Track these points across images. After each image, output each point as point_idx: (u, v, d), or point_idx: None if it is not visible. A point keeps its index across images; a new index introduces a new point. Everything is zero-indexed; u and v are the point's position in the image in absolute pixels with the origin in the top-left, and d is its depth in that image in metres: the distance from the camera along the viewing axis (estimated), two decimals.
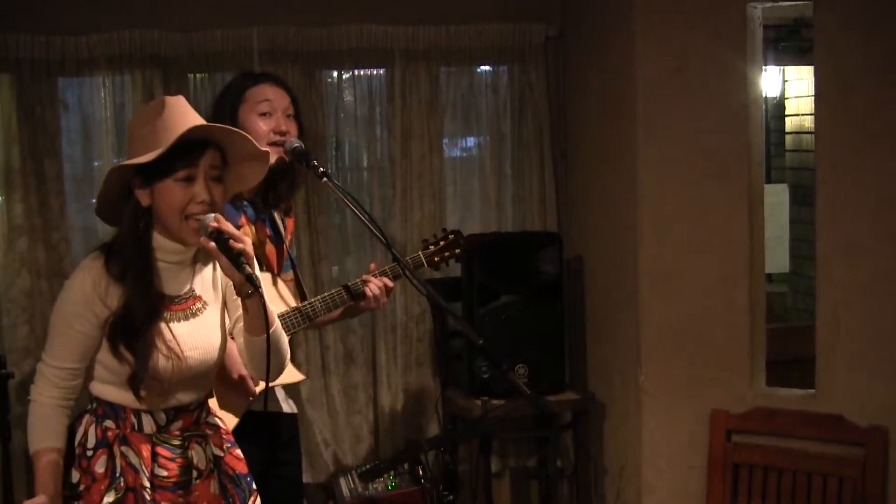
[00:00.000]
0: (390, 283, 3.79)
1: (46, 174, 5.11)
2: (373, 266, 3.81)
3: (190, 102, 5.21)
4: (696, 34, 4.70)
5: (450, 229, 4.05)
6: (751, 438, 4.72)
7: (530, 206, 5.60)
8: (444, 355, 5.40)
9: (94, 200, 5.30)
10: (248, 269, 2.69)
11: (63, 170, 5.19)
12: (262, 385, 3.48)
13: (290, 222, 3.98)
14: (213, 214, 2.76)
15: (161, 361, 2.83)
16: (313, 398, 5.39)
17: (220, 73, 5.20)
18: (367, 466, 5.02)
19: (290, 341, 3.28)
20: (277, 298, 3.76)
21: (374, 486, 4.84)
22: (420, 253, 3.97)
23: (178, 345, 2.86)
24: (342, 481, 5.00)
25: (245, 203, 3.76)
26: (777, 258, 6.73)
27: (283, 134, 3.70)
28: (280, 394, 3.92)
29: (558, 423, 5.40)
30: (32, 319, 5.12)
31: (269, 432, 3.81)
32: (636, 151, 4.81)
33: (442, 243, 3.98)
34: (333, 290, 3.78)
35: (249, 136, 2.90)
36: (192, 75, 5.27)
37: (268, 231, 3.83)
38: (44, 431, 2.88)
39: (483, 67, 5.62)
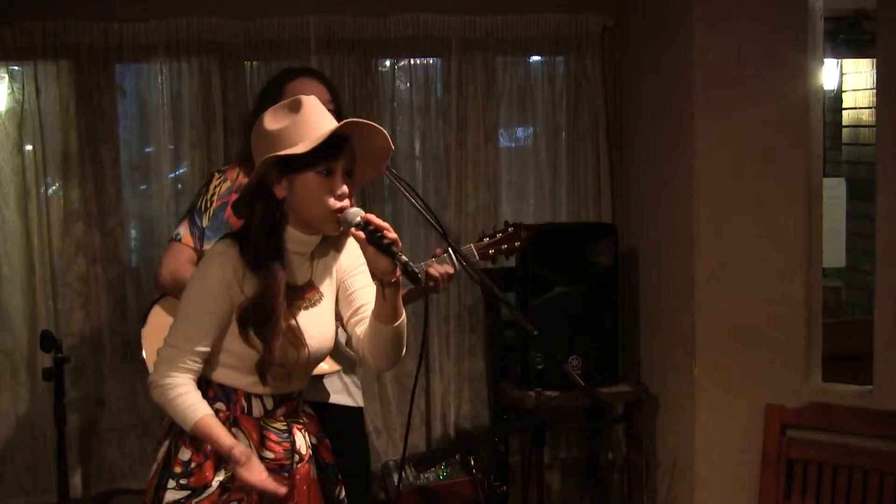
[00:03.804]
0: (451, 271, 3.74)
1: (103, 160, 5.16)
2: (438, 251, 3.79)
3: (245, 90, 5.29)
4: (755, 26, 4.65)
5: (512, 222, 3.99)
6: (806, 434, 4.67)
7: (585, 197, 5.57)
8: (497, 346, 5.39)
9: (143, 186, 5.35)
10: (403, 257, 2.77)
11: (119, 156, 5.24)
12: None
13: None
14: (357, 209, 2.85)
15: (288, 349, 2.92)
16: (365, 387, 5.34)
17: (276, 61, 5.21)
18: (420, 456, 5.02)
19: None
20: None
21: (426, 475, 4.84)
22: (472, 245, 3.93)
23: (301, 333, 2.96)
24: (394, 470, 5.01)
25: None
26: (833, 252, 6.66)
27: None
28: (334, 385, 3.92)
29: (611, 416, 5.38)
30: (88, 304, 5.17)
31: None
32: (693, 144, 4.77)
33: (499, 236, 3.94)
34: None
35: (387, 133, 2.94)
36: (248, 63, 5.29)
37: None
38: (192, 403, 2.91)
39: (539, 57, 5.59)
